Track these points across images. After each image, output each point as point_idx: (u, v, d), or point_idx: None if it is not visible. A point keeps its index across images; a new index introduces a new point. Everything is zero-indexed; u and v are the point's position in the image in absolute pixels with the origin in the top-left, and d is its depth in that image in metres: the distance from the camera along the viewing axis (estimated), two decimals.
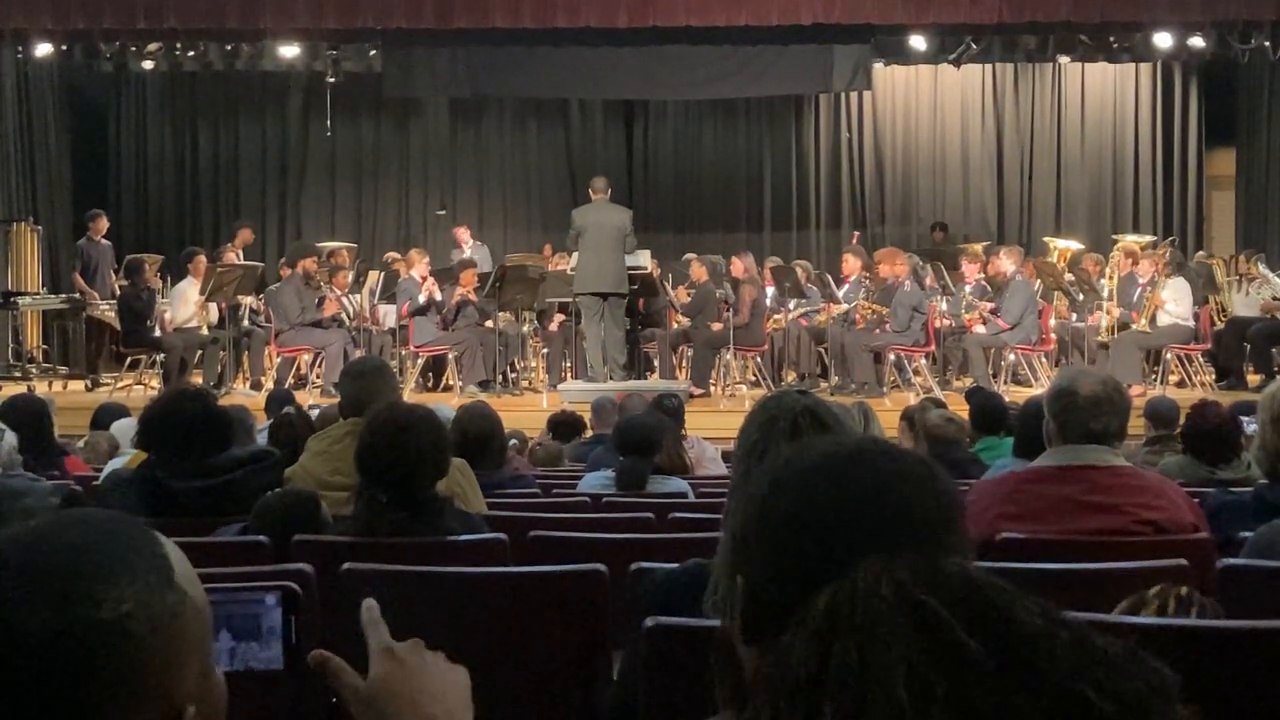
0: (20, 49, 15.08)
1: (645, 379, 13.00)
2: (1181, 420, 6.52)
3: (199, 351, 13.03)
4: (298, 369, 13.49)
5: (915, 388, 12.50)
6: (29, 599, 1.05)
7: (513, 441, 7.44)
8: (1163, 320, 12.60)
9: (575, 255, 12.89)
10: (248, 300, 13.61)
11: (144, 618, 1.07)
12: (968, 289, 13.31)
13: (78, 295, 14.32)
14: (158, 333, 13.01)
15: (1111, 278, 13.45)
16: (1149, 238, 15.18)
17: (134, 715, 1.07)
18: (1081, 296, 13.38)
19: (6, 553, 1.09)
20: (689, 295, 13.69)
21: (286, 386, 11.86)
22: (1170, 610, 2.47)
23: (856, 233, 17.09)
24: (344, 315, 13.42)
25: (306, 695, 3.25)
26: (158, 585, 1.10)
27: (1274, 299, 13.14)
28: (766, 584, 1.24)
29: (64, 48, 15.23)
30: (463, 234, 15.73)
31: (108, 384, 13.31)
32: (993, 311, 12.88)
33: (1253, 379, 12.76)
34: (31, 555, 1.08)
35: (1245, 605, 2.93)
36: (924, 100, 18.20)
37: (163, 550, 1.13)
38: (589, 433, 8.66)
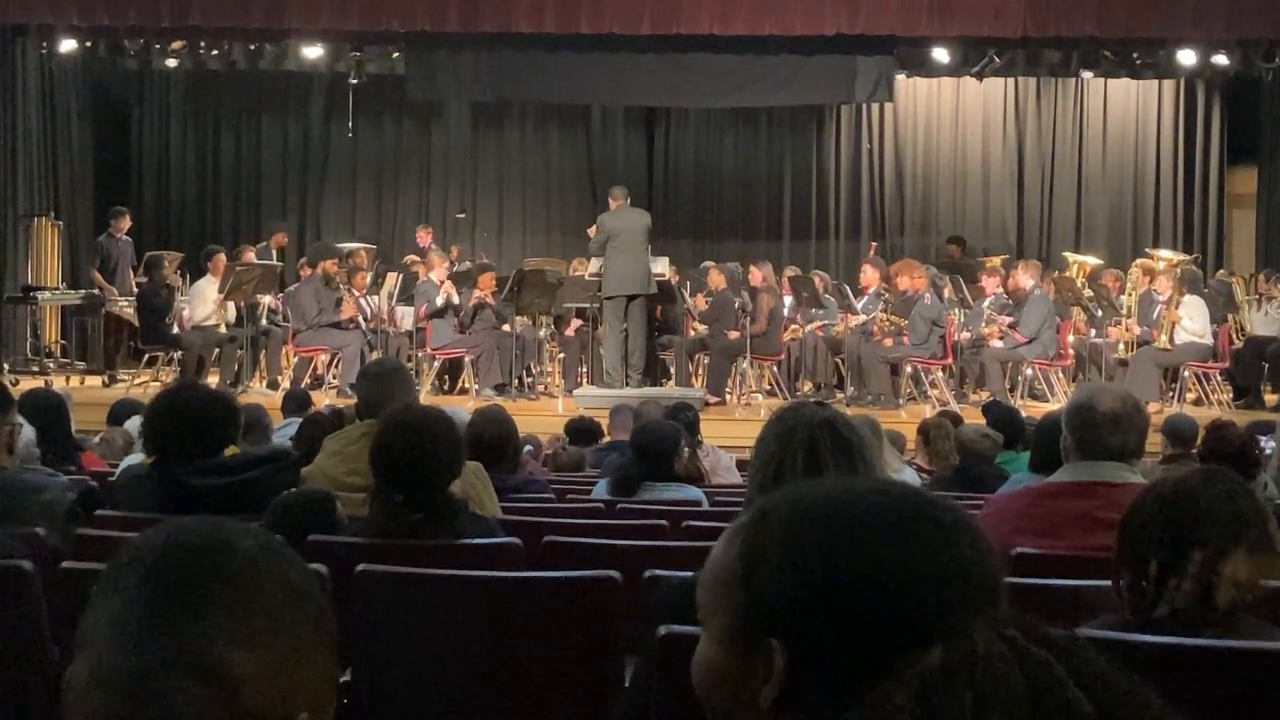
0: (45, 45, 15.14)
1: (661, 385, 13.02)
2: (1199, 439, 6.50)
3: (216, 350, 13.09)
4: (314, 369, 13.52)
5: (931, 400, 12.47)
6: None
7: (527, 446, 7.44)
8: (1180, 338, 12.55)
9: (595, 260, 12.96)
10: (266, 299, 13.65)
11: None
12: (986, 303, 13.27)
13: (97, 291, 14.36)
14: (176, 330, 13.06)
15: (1131, 294, 13.40)
16: (1182, 255, 15.10)
17: None
18: (1100, 312, 13.33)
19: None
20: (707, 303, 13.69)
21: (303, 386, 11.89)
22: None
23: (874, 243, 17.04)
24: (361, 317, 13.44)
25: None
26: None
27: None
28: (832, 652, 1.19)
29: (88, 44, 15.31)
30: (424, 237, 15.66)
31: (125, 380, 13.34)
32: (1011, 326, 12.84)
33: (1270, 398, 12.72)
34: None
35: None
36: (945, 113, 18.17)
37: None
38: (606, 438, 8.66)
